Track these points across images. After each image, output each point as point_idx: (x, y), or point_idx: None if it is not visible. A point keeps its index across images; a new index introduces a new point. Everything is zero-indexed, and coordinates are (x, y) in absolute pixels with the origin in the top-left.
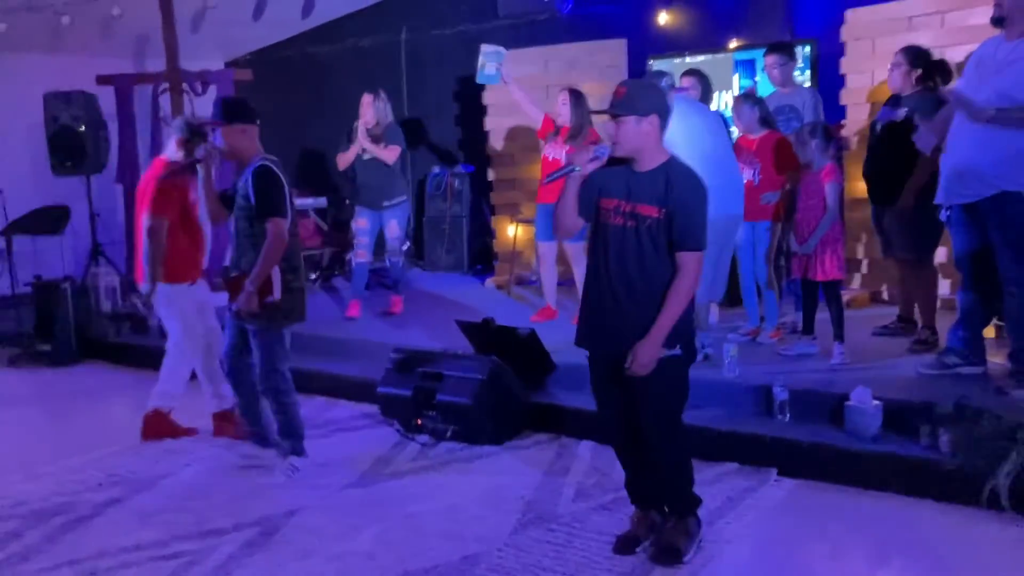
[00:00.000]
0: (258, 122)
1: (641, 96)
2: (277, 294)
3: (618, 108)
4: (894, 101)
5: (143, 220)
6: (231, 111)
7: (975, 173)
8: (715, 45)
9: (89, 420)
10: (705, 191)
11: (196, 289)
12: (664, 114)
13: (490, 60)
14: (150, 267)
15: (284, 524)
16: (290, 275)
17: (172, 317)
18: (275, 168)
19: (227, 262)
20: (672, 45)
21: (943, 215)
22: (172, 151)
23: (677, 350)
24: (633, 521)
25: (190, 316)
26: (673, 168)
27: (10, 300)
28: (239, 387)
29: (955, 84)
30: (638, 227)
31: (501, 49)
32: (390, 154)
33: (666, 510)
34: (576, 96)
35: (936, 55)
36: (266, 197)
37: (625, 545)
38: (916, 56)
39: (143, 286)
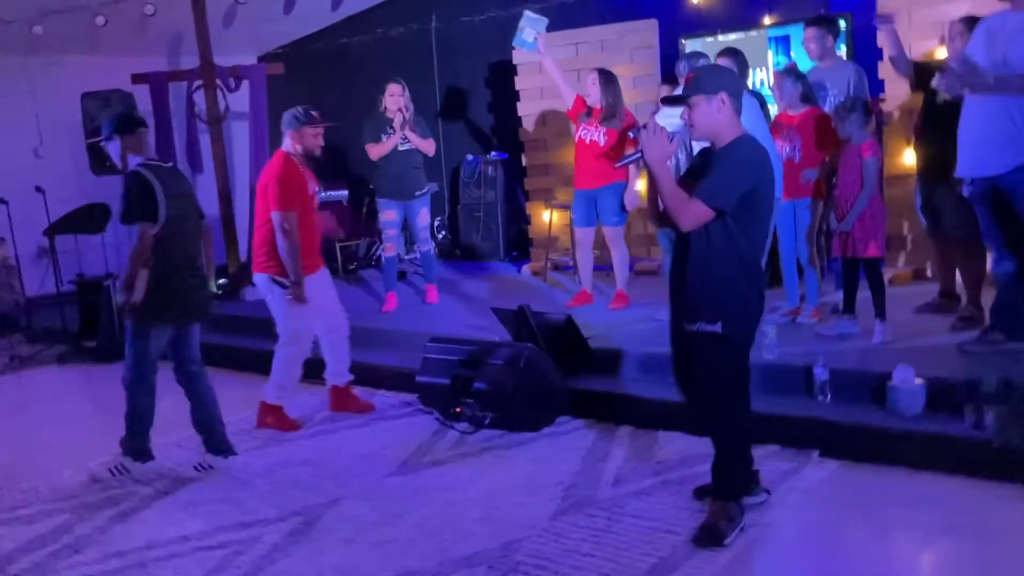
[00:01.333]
0: (140, 130)
1: (708, 76)
2: (137, 296)
3: (688, 90)
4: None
5: (273, 216)
6: (110, 125)
7: (995, 146)
8: (748, 22)
9: None
10: (746, 158)
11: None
12: (734, 92)
13: (530, 26)
14: (291, 261)
15: (326, 513)
16: (169, 276)
17: (277, 309)
18: (145, 174)
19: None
20: (704, 24)
21: (965, 190)
22: (288, 145)
23: (717, 327)
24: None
25: (293, 309)
26: (738, 141)
27: (55, 298)
28: (188, 395)
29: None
30: None
31: (543, 18)
32: (431, 146)
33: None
34: (606, 77)
35: None
36: (129, 203)
37: (700, 493)
38: (975, 25)
39: (255, 276)
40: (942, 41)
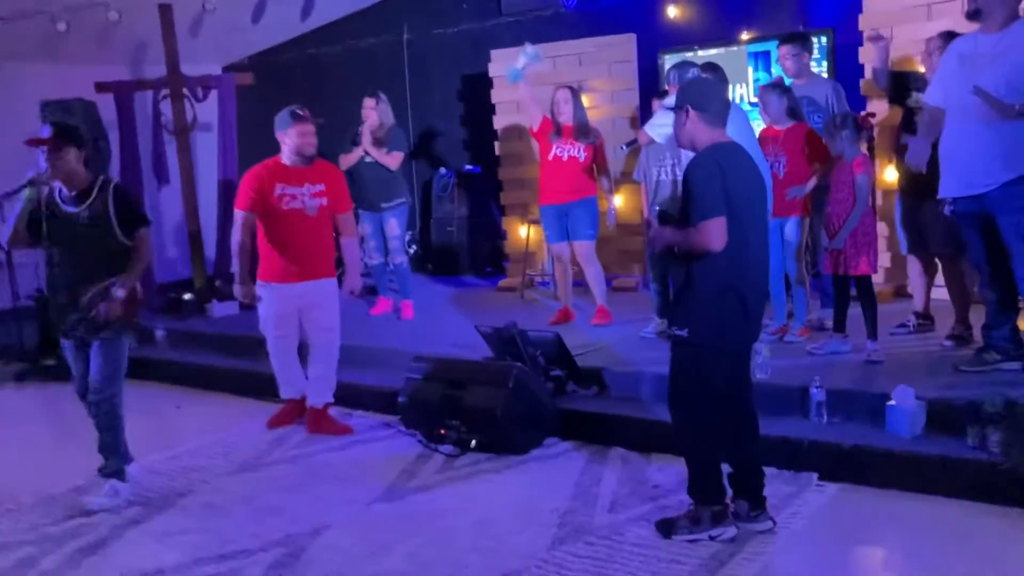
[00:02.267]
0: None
1: (680, 91)
2: (138, 303)
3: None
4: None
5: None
6: (67, 135)
7: (983, 164)
8: (727, 37)
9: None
10: (705, 166)
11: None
12: (700, 105)
13: (529, 60)
14: (235, 257)
15: (310, 544)
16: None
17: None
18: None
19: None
20: (683, 39)
21: (947, 209)
22: (282, 149)
23: (684, 332)
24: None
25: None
26: (702, 151)
27: (12, 314)
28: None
29: (932, 84)
30: None
31: (541, 54)
32: (393, 160)
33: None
34: (576, 93)
35: None
36: (136, 209)
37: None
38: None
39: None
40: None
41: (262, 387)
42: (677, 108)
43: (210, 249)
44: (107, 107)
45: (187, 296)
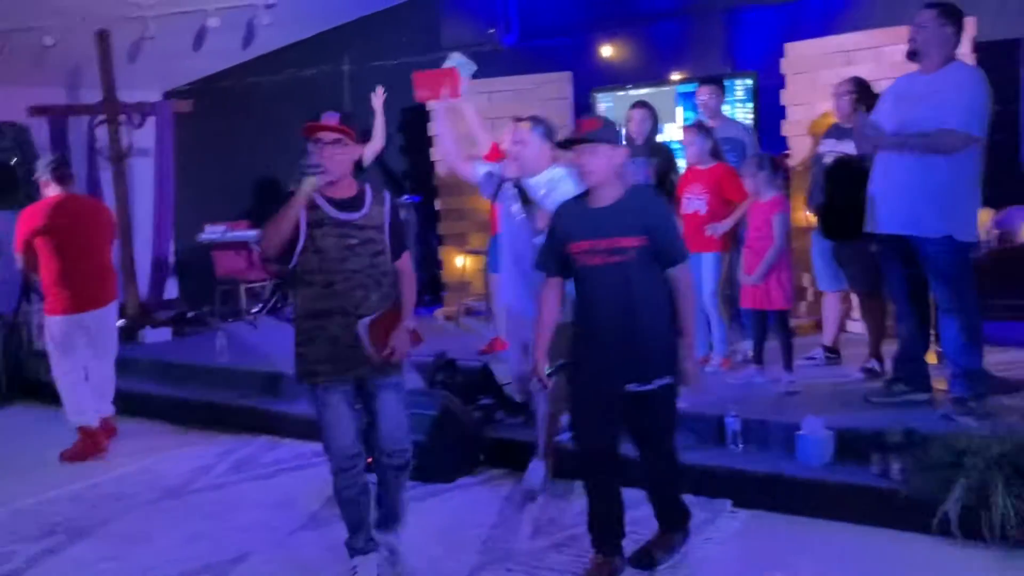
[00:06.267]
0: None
1: (613, 128)
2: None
3: (592, 135)
4: (837, 131)
5: None
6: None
7: (912, 206)
8: (658, 78)
9: (22, 464)
10: (662, 203)
11: None
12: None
13: (454, 65)
14: None
15: (232, 570)
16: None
17: None
18: None
19: None
20: (617, 78)
21: (872, 246)
22: None
23: (669, 379)
24: (593, 564)
25: None
26: (644, 190)
27: None
28: None
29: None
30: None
31: (471, 63)
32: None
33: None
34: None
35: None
36: (405, 230)
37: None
38: (861, 86)
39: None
40: None
41: (193, 415)
42: (616, 144)
43: (143, 276)
44: (41, 131)
45: (120, 322)
